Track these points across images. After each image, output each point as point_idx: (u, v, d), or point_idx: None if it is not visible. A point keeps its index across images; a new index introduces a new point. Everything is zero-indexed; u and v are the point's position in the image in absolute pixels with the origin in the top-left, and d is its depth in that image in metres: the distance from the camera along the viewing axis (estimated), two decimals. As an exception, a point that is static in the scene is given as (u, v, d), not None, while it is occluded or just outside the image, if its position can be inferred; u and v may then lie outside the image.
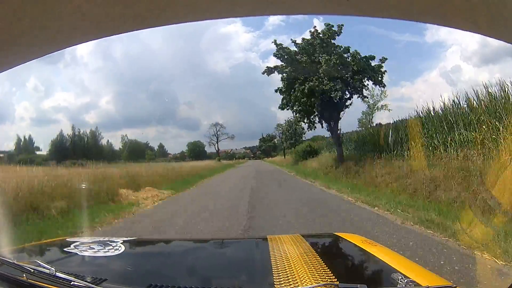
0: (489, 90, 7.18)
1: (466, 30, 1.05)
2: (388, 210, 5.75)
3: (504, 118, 6.00)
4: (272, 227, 4.74)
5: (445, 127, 7.80)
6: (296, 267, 1.03)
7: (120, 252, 1.25)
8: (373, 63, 10.92)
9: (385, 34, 19.40)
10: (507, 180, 4.24)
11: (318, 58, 10.68)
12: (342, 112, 11.72)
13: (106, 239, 1.40)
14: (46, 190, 6.28)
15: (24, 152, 17.56)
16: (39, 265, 0.94)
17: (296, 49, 11.22)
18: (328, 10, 1.20)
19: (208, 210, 6.49)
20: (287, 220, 5.28)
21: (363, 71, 10.71)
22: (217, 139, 25.35)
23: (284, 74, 11.77)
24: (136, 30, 1.08)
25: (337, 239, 1.60)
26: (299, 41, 11.37)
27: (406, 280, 0.87)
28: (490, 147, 6.01)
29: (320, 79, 10.51)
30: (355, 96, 11.46)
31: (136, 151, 22.26)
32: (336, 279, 0.92)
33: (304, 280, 0.94)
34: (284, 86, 12.03)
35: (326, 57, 10.37)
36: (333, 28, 10.86)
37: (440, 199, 5.83)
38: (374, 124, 13.36)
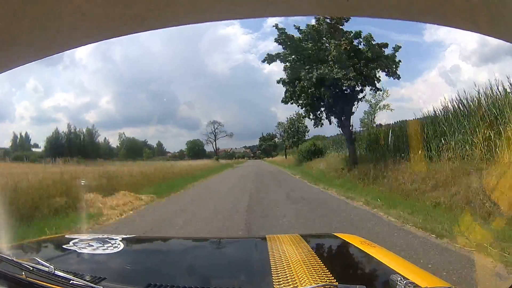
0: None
1: (465, 30, 1.05)
2: (470, 246, 3.67)
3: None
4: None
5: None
6: (295, 268, 1.03)
7: (119, 250, 1.26)
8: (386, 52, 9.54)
9: (385, 34, 19.32)
10: None
11: (326, 45, 9.45)
12: (354, 106, 10.22)
13: (105, 236, 1.40)
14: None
15: (20, 149, 17.52)
16: (38, 263, 0.94)
17: (300, 35, 9.81)
18: (327, 11, 1.20)
19: (187, 233, 4.84)
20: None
21: (377, 59, 9.36)
22: (215, 137, 24.65)
23: (287, 63, 10.27)
24: (136, 31, 1.08)
25: (336, 239, 1.60)
26: (303, 27, 9.87)
27: (405, 282, 0.87)
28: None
29: (330, 67, 9.12)
30: (367, 89, 10.04)
31: (134, 149, 22.09)
32: (335, 280, 0.92)
33: (303, 281, 0.94)
34: (287, 76, 10.47)
35: (336, 42, 9.08)
36: (341, 13, 9.95)
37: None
38: (375, 125, 12.92)
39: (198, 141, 25.05)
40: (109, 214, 6.19)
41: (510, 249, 3.42)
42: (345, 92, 9.77)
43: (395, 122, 11.48)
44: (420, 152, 7.83)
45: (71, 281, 0.88)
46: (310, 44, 9.48)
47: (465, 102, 7.73)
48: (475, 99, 7.43)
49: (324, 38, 9.57)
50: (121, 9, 0.95)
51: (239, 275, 1.13)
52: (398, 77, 9.65)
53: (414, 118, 9.77)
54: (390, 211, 5.69)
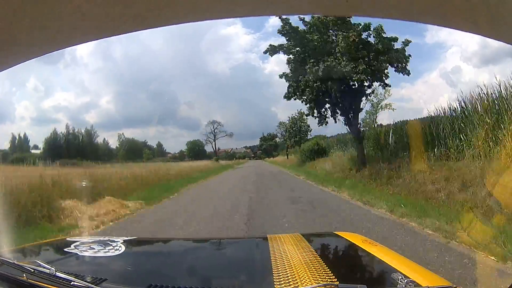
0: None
1: (466, 31, 1.05)
2: None
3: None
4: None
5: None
6: (296, 267, 1.03)
7: (120, 252, 1.26)
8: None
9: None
10: None
11: (332, 37, 8.98)
12: (363, 102, 9.60)
13: (106, 238, 1.40)
14: None
15: (19, 150, 17.35)
16: (39, 265, 0.94)
17: (305, 27, 9.27)
18: (328, 10, 1.20)
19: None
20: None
21: (387, 52, 8.78)
22: (215, 137, 24.29)
23: (291, 56, 9.60)
24: (136, 30, 1.08)
25: (337, 238, 1.60)
26: (308, 19, 9.19)
27: (406, 280, 0.87)
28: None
29: (337, 60, 8.58)
30: (375, 84, 9.40)
31: (133, 150, 21.92)
32: (336, 279, 0.92)
33: (304, 280, 0.94)
34: (291, 70, 9.81)
35: (344, 34, 8.59)
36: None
37: None
38: (377, 125, 12.82)
39: (198, 141, 24.80)
40: (84, 226, 5.49)
41: None
42: (353, 87, 9.12)
43: (396, 122, 11.16)
44: (436, 150, 7.40)
45: (72, 283, 0.88)
46: (316, 36, 8.94)
47: (485, 96, 7.19)
48: (495, 92, 6.94)
49: (330, 31, 9.12)
50: (121, 8, 0.95)
51: (240, 275, 1.13)
52: (408, 73, 9.05)
53: (420, 117, 9.67)
54: (423, 220, 4.67)
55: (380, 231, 4.50)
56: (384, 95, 10.91)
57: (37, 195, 5.80)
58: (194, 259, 1.37)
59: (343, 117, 9.85)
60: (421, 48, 18.16)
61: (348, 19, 8.72)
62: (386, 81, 9.38)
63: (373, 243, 1.39)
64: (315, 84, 9.09)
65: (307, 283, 0.91)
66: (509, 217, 3.97)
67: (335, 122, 10.03)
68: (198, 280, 1.10)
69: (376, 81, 9.28)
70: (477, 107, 7.26)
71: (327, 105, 9.99)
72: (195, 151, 24.46)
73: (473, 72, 19.29)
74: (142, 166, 15.76)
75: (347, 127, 10.13)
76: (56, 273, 0.90)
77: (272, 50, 9.61)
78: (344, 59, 8.55)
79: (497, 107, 6.60)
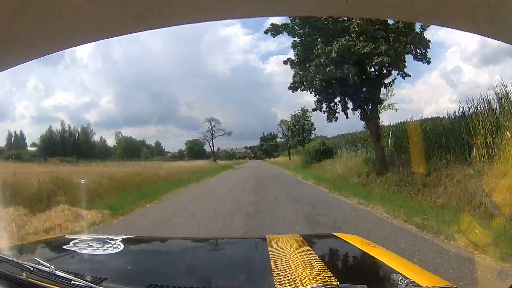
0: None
1: (466, 31, 1.05)
2: None
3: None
4: None
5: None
6: (296, 268, 1.03)
7: (119, 250, 1.26)
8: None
9: (385, 35, 19.26)
10: None
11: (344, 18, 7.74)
12: (382, 94, 8.14)
13: (105, 236, 1.40)
14: None
15: (15, 148, 17.13)
16: (39, 263, 0.94)
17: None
18: (328, 11, 1.20)
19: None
20: None
21: (409, 33, 7.52)
22: (212, 136, 23.27)
23: (297, 38, 8.26)
24: (136, 31, 1.08)
25: (336, 239, 1.60)
26: None
27: (406, 281, 0.87)
28: None
29: (353, 40, 7.37)
30: (394, 73, 7.99)
31: (131, 149, 21.42)
32: (336, 280, 0.92)
33: (304, 281, 0.94)
34: (297, 55, 8.38)
35: None
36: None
37: None
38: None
39: (197, 141, 24.31)
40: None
41: None
42: (371, 74, 7.80)
43: (397, 122, 10.73)
44: (475, 150, 6.16)
45: (72, 282, 0.88)
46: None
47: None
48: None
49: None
50: (121, 9, 0.95)
51: (240, 276, 1.13)
52: (428, 61, 7.86)
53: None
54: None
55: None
56: (387, 95, 9.93)
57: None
58: (193, 258, 1.37)
59: (359, 111, 8.42)
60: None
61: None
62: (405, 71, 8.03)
63: (372, 245, 1.39)
64: (327, 69, 7.55)
65: (307, 283, 0.91)
66: None
67: (347, 117, 8.58)
68: (198, 280, 1.10)
69: (395, 69, 7.94)
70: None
71: (337, 99, 8.62)
72: (195, 150, 24.16)
73: (473, 72, 19.25)
74: (135, 165, 14.69)
75: (364, 122, 8.78)
76: (56, 271, 0.90)
77: (275, 30, 8.24)
78: (361, 39, 7.34)
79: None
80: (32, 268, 0.92)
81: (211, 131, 23.44)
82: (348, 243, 1.45)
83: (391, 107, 10.01)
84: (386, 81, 8.18)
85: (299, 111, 19.39)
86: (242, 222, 5.13)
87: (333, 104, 8.65)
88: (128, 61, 26.46)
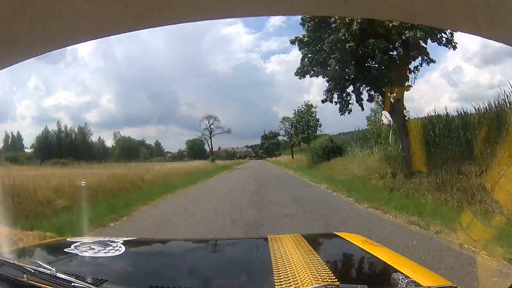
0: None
1: (466, 32, 1.05)
2: None
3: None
4: None
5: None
6: (297, 268, 1.03)
7: (120, 252, 1.25)
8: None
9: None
10: None
11: None
12: (407, 82, 6.88)
13: (107, 239, 1.40)
14: None
15: (12, 149, 16.83)
16: (40, 266, 0.94)
17: None
18: (329, 11, 1.20)
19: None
20: None
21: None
22: (210, 134, 22.18)
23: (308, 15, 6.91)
24: (136, 30, 1.08)
25: (338, 239, 1.60)
26: None
27: (407, 280, 0.87)
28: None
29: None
30: (415, 62, 6.84)
31: (129, 150, 20.90)
32: (337, 280, 0.92)
33: (305, 281, 0.94)
34: (309, 32, 6.93)
35: None
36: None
37: None
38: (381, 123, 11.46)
39: (197, 140, 23.76)
40: None
41: None
42: (399, 53, 6.56)
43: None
44: None
45: (73, 284, 0.88)
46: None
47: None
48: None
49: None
50: (121, 8, 0.95)
51: (240, 276, 1.13)
52: (454, 47, 6.73)
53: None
54: None
55: None
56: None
57: None
58: (194, 260, 1.37)
59: (380, 99, 7.32)
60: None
61: None
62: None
63: (373, 244, 1.39)
64: (347, 45, 6.16)
65: (308, 283, 0.91)
66: None
67: (362, 109, 7.42)
68: (199, 281, 1.10)
69: (420, 54, 6.82)
70: None
71: (351, 88, 7.34)
72: (195, 150, 23.80)
73: (474, 72, 19.29)
74: (130, 166, 13.91)
75: (388, 113, 7.57)
76: (57, 273, 0.90)
77: None
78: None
79: None
80: (33, 271, 0.92)
81: (209, 129, 22.43)
82: (350, 242, 1.45)
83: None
84: (411, 66, 6.95)
85: (303, 106, 18.30)
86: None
87: (345, 94, 7.47)
88: (129, 59, 26.43)
